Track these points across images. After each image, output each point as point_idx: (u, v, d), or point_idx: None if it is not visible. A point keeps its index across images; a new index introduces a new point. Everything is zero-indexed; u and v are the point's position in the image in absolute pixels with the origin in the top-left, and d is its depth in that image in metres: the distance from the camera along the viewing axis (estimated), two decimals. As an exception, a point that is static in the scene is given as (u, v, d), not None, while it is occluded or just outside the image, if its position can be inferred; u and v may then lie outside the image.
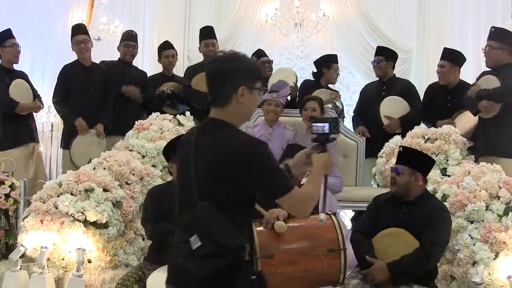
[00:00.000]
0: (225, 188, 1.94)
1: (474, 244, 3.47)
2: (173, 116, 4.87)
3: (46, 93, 5.84)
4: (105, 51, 6.93)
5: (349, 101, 7.28)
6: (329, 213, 3.01)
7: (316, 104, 4.53)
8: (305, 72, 7.54)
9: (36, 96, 5.14)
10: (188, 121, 4.81)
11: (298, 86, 5.56)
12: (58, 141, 5.92)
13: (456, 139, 4.28)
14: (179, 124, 4.76)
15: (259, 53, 6.01)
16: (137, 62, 5.88)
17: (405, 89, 5.25)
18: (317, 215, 2.90)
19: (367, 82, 6.45)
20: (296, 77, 5.73)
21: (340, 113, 5.31)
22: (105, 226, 3.78)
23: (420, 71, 7.53)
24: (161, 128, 4.67)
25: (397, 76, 5.55)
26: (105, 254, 3.78)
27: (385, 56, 5.32)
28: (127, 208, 3.95)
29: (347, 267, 2.89)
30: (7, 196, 4.06)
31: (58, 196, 3.82)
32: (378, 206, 3.34)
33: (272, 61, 6.23)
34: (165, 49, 5.62)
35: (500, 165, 3.87)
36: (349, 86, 8.10)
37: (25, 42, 5.44)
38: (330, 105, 5.12)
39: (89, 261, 3.67)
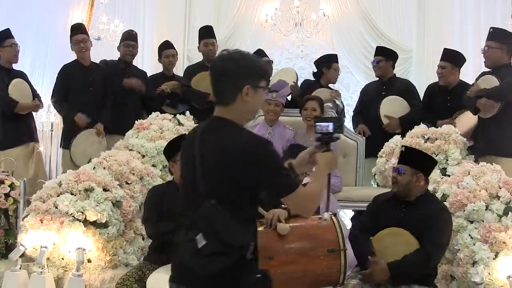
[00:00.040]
0: (230, 186, 1.94)
1: (474, 244, 3.47)
2: (173, 115, 4.87)
3: (46, 93, 5.83)
4: (105, 50, 6.93)
5: (349, 101, 7.28)
6: (330, 213, 3.01)
7: (316, 104, 4.53)
8: (305, 71, 7.54)
9: (35, 95, 5.14)
10: (188, 121, 4.81)
11: (299, 86, 5.57)
12: (58, 141, 5.92)
13: (456, 139, 4.28)
14: (179, 123, 4.76)
15: (259, 53, 6.00)
16: (137, 62, 5.88)
17: (405, 89, 5.26)
18: (318, 215, 2.92)
19: (367, 82, 6.45)
20: (297, 76, 5.73)
21: (341, 112, 5.31)
22: (105, 225, 3.78)
23: (420, 71, 7.52)
24: (161, 127, 4.67)
25: (397, 76, 5.55)
26: (105, 253, 3.78)
27: (385, 56, 5.32)
28: (127, 207, 3.95)
29: (347, 267, 2.90)
30: (7, 195, 4.06)
31: (58, 196, 3.82)
32: (378, 205, 3.34)
33: (272, 61, 6.22)
34: (165, 49, 5.62)
35: (499, 165, 3.87)
36: (349, 86, 8.10)
37: (25, 42, 5.45)
38: (330, 104, 5.13)
39: (89, 261, 3.67)
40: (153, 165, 4.43)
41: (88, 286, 3.61)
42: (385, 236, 3.17)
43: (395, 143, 4.51)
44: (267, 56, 6.12)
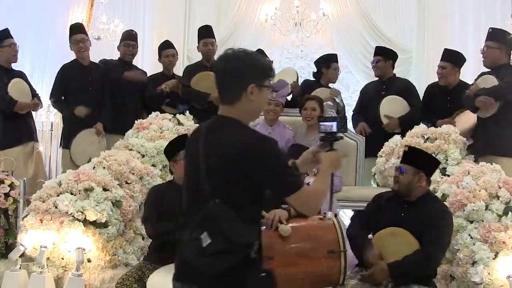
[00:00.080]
0: (235, 185, 1.94)
1: (474, 244, 3.47)
2: (172, 115, 4.87)
3: (46, 93, 5.82)
4: (104, 50, 6.94)
5: (349, 101, 7.27)
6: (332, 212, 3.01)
7: (315, 104, 4.53)
8: (305, 71, 7.54)
9: (34, 95, 5.14)
10: (187, 121, 4.81)
11: (299, 85, 5.57)
12: (58, 141, 5.92)
13: (455, 138, 4.29)
14: (179, 123, 4.76)
15: (259, 53, 6.00)
16: (137, 62, 5.88)
17: (405, 89, 5.26)
18: (318, 216, 2.92)
19: (367, 81, 6.45)
20: (297, 76, 5.73)
21: (342, 111, 5.32)
22: (104, 225, 3.78)
23: (420, 71, 7.52)
24: (160, 127, 4.67)
25: (397, 76, 5.55)
26: (105, 253, 3.78)
27: (384, 56, 5.33)
28: (126, 207, 3.95)
29: (347, 268, 2.89)
30: (6, 195, 4.06)
31: (58, 196, 3.82)
32: (379, 204, 3.34)
33: (272, 61, 6.21)
34: (166, 49, 5.61)
35: (499, 164, 3.87)
36: (349, 85, 8.10)
37: (25, 42, 5.45)
38: (330, 103, 5.13)
39: (89, 261, 3.67)
40: (153, 165, 4.43)
41: (88, 286, 3.61)
42: (385, 236, 3.16)
43: (395, 143, 4.52)
44: (267, 56, 6.11)
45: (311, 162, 2.24)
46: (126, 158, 4.20)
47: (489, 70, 4.43)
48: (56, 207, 3.73)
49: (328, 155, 2.20)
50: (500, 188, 3.64)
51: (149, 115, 4.88)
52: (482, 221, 3.54)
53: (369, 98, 5.35)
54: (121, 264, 3.88)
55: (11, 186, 4.10)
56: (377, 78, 5.42)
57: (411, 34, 7.84)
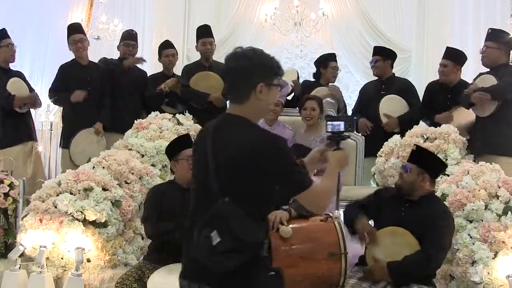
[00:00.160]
0: (244, 183, 1.95)
1: (473, 244, 3.47)
2: (172, 115, 4.87)
3: (46, 93, 5.83)
4: (104, 50, 6.94)
5: (349, 101, 7.27)
6: (331, 215, 3.01)
7: (315, 104, 4.52)
8: (304, 71, 7.55)
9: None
10: (187, 120, 4.81)
11: (299, 83, 5.58)
12: (57, 140, 5.92)
13: (455, 138, 4.29)
14: (178, 123, 4.76)
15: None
16: (136, 62, 5.88)
17: (404, 88, 5.27)
18: (320, 217, 2.92)
19: (367, 81, 6.45)
20: (298, 75, 5.74)
21: (342, 109, 5.33)
22: (104, 225, 3.77)
23: (420, 71, 7.53)
24: (160, 127, 4.67)
25: (396, 75, 5.56)
26: (104, 253, 3.78)
27: (382, 55, 5.34)
28: (126, 207, 3.95)
29: (347, 269, 2.89)
30: (6, 195, 4.06)
31: (57, 195, 3.82)
32: (380, 198, 3.35)
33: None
34: (166, 48, 5.61)
35: (498, 164, 3.87)
36: (348, 85, 8.11)
37: (25, 42, 5.45)
38: (329, 99, 5.14)
39: (88, 260, 3.67)
40: (153, 165, 4.43)
41: (88, 286, 3.60)
42: (385, 235, 3.16)
43: (394, 142, 4.51)
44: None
45: (318, 161, 2.27)
46: (125, 158, 4.20)
47: (488, 70, 4.44)
48: (55, 207, 3.73)
49: (335, 154, 2.23)
50: (499, 187, 3.63)
51: (149, 115, 4.88)
52: (482, 220, 3.53)
53: (368, 98, 5.35)
54: (120, 264, 3.88)
55: (11, 186, 4.09)
56: (377, 78, 5.43)
57: (411, 34, 7.85)
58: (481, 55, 4.47)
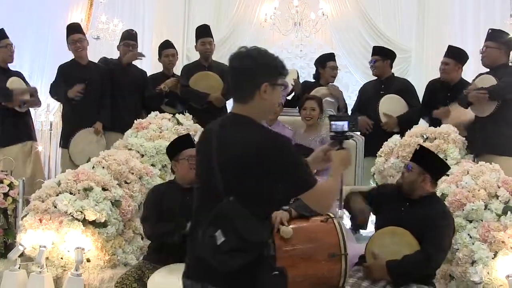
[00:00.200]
0: (249, 183, 1.95)
1: (473, 244, 3.47)
2: (172, 115, 4.87)
3: (45, 93, 5.84)
4: (104, 50, 6.93)
5: (348, 101, 7.24)
6: (332, 216, 3.01)
7: (315, 104, 4.53)
8: (304, 71, 7.55)
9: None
10: (187, 120, 4.81)
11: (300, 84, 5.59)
12: (57, 140, 5.92)
13: (455, 138, 4.29)
14: (178, 123, 4.76)
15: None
16: (137, 62, 5.87)
17: (403, 88, 5.28)
18: (320, 217, 2.92)
19: (366, 81, 6.45)
20: (298, 74, 5.74)
21: (343, 108, 5.33)
22: (104, 225, 3.77)
23: (419, 71, 7.54)
24: (160, 127, 4.68)
25: (395, 75, 5.56)
26: (104, 253, 3.78)
27: (382, 55, 5.35)
28: (126, 207, 3.95)
29: (347, 270, 2.89)
30: (5, 195, 4.05)
31: (57, 195, 3.81)
32: (384, 192, 3.37)
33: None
34: (166, 48, 5.61)
35: (497, 164, 3.87)
36: (348, 85, 8.11)
37: (25, 42, 5.45)
38: (329, 99, 5.14)
39: (88, 260, 3.66)
40: (152, 165, 4.43)
41: (87, 286, 3.60)
42: (385, 234, 3.16)
43: (394, 142, 4.52)
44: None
45: (321, 161, 2.29)
46: (125, 158, 4.20)
47: (488, 70, 4.44)
48: (55, 207, 3.73)
49: (338, 154, 2.24)
50: (499, 187, 3.64)
51: (149, 115, 4.88)
52: (481, 220, 3.54)
53: (368, 98, 5.36)
54: (120, 264, 3.88)
55: (10, 185, 4.09)
56: (376, 78, 5.43)
57: (410, 33, 7.85)
58: (481, 55, 4.48)
